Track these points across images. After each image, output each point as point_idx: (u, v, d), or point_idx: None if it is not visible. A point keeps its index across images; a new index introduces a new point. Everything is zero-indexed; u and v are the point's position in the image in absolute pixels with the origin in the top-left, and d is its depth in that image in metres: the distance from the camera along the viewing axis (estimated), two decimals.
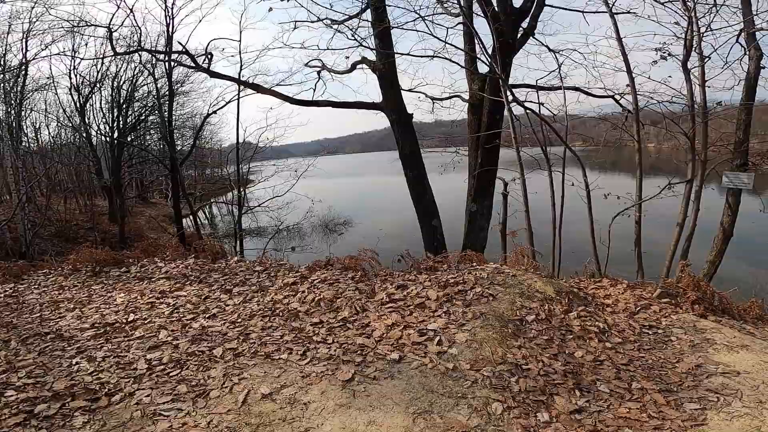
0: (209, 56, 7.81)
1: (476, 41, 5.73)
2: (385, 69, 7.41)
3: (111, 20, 7.84)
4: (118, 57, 14.02)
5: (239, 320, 3.01)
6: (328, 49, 6.46)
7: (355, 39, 6.35)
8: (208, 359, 2.57)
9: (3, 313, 3.80)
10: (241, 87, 10.22)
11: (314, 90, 8.75)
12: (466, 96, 8.45)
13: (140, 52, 11.21)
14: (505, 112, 6.51)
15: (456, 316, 2.94)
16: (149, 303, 3.52)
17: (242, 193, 11.96)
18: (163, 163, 13.62)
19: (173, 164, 10.83)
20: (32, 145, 19.60)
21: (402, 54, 5.89)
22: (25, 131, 17.93)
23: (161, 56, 9.84)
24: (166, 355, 2.67)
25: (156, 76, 12.83)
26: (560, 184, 5.87)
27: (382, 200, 26.09)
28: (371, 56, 7.91)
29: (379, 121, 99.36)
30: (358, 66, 8.50)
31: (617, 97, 7.07)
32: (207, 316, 3.14)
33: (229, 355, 2.58)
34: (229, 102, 11.29)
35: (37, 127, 19.65)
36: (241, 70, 10.08)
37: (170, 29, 8.94)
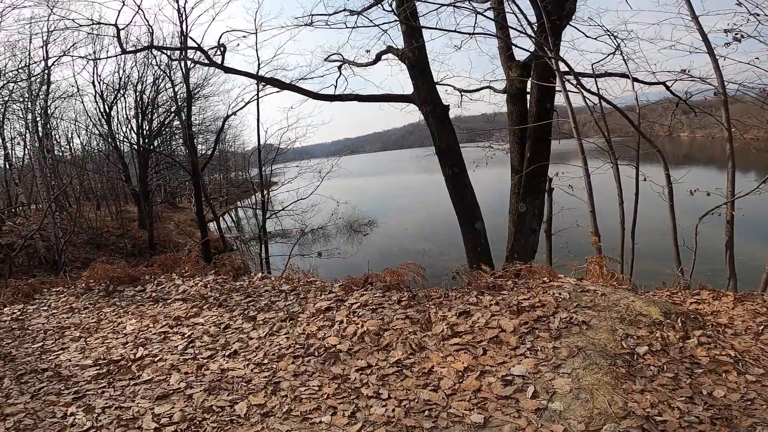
0: (222, 48, 7.32)
1: (523, 20, 4.97)
2: (415, 56, 6.71)
3: (117, 18, 7.51)
4: (139, 62, 13.93)
5: (266, 361, 2.40)
6: (356, 26, 5.95)
7: (393, 12, 5.74)
8: (229, 420, 1.98)
9: (4, 341, 3.37)
10: (261, 85, 9.78)
11: (335, 86, 8.20)
12: (499, 86, 7.72)
13: (155, 52, 10.94)
14: (559, 100, 5.82)
15: (546, 354, 2.24)
16: (161, 333, 2.99)
17: (266, 196, 11.57)
18: (184, 167, 13.42)
19: (194, 169, 10.49)
20: (65, 153, 20.02)
21: (443, 30, 5.20)
22: (57, 140, 18.27)
23: (175, 55, 9.50)
24: (177, 410, 2.10)
25: (174, 80, 12.60)
26: (626, 179, 5.09)
27: (405, 199, 25.47)
28: (395, 47, 7.27)
29: (399, 119, 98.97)
30: (383, 57, 7.86)
31: (668, 83, 6.38)
32: (227, 353, 2.56)
33: (255, 415, 1.98)
34: (249, 102, 10.94)
35: (69, 136, 20.05)
36: (259, 68, 9.65)
37: (184, 27, 8.56)
